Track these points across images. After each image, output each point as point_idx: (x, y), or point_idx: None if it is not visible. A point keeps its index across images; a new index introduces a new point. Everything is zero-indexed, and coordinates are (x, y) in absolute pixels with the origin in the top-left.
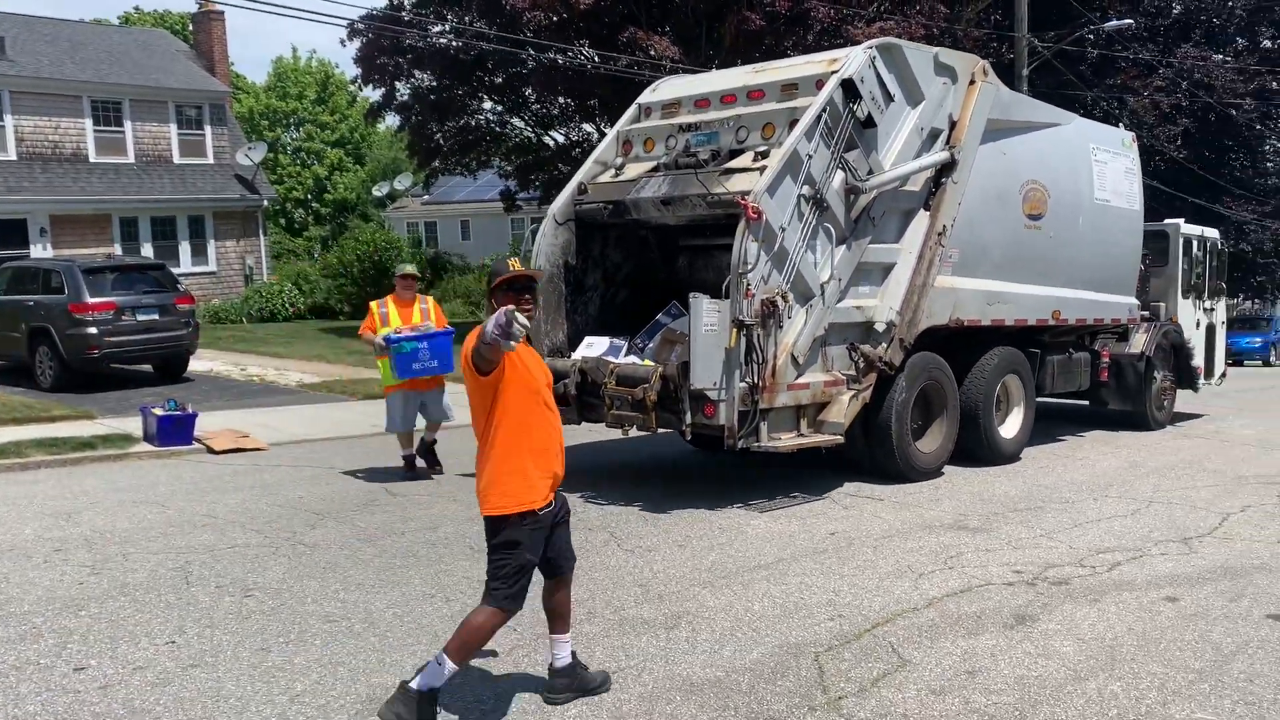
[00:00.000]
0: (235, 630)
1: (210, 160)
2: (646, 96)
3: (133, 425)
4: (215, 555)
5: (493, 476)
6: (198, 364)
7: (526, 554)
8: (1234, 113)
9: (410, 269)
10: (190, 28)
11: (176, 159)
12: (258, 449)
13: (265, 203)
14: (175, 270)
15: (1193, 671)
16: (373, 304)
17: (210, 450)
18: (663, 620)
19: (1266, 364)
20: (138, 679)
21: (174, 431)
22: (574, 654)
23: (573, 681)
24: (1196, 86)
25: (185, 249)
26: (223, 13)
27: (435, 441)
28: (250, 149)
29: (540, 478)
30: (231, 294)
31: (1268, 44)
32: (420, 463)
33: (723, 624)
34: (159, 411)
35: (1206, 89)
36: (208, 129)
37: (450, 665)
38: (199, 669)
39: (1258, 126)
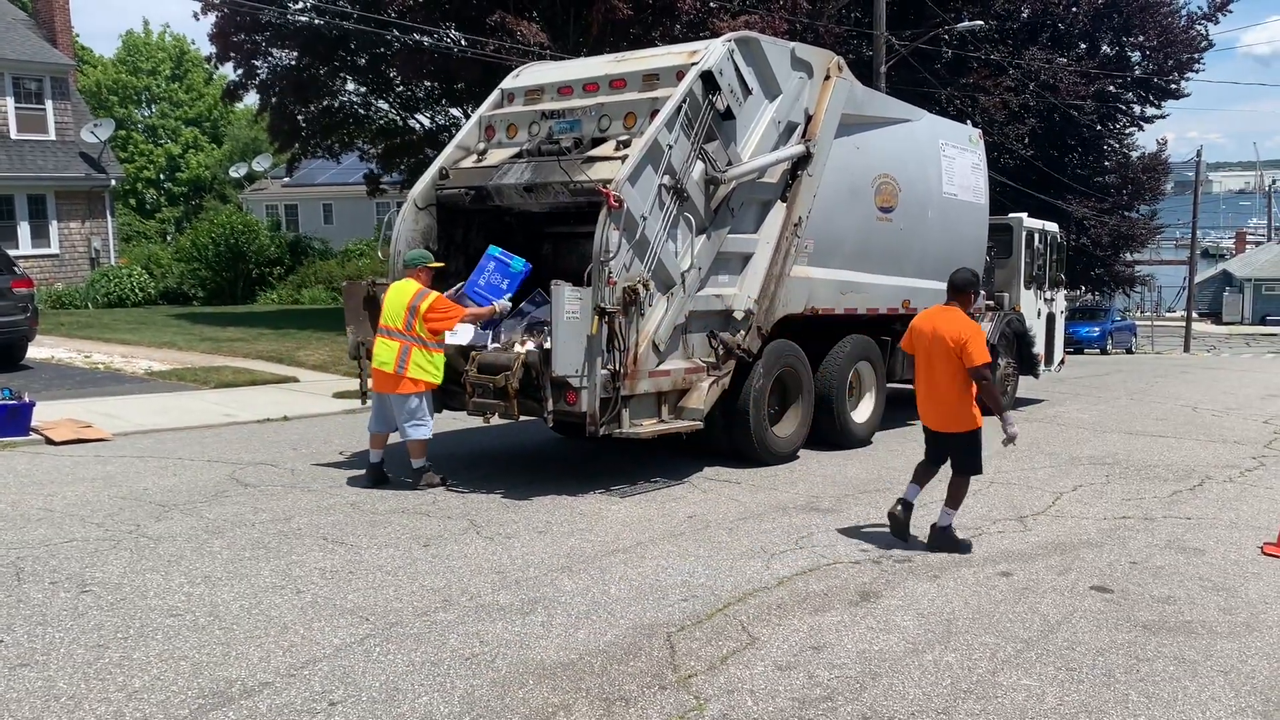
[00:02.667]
0: (70, 627)
1: (52, 136)
2: (510, 82)
3: None
4: (50, 550)
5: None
6: (37, 351)
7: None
8: (1076, 114)
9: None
10: None
11: (14, 134)
12: (101, 439)
13: (113, 182)
14: (13, 252)
15: (1021, 641)
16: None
17: (49, 441)
18: (519, 606)
19: (1104, 352)
20: None
21: (9, 422)
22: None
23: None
24: (1043, 87)
25: (24, 230)
26: None
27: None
28: (96, 125)
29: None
30: (76, 278)
31: (1107, 49)
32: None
33: (578, 608)
34: None
35: (1052, 90)
36: (49, 103)
37: (952, 512)
38: (28, 668)
39: (1098, 127)
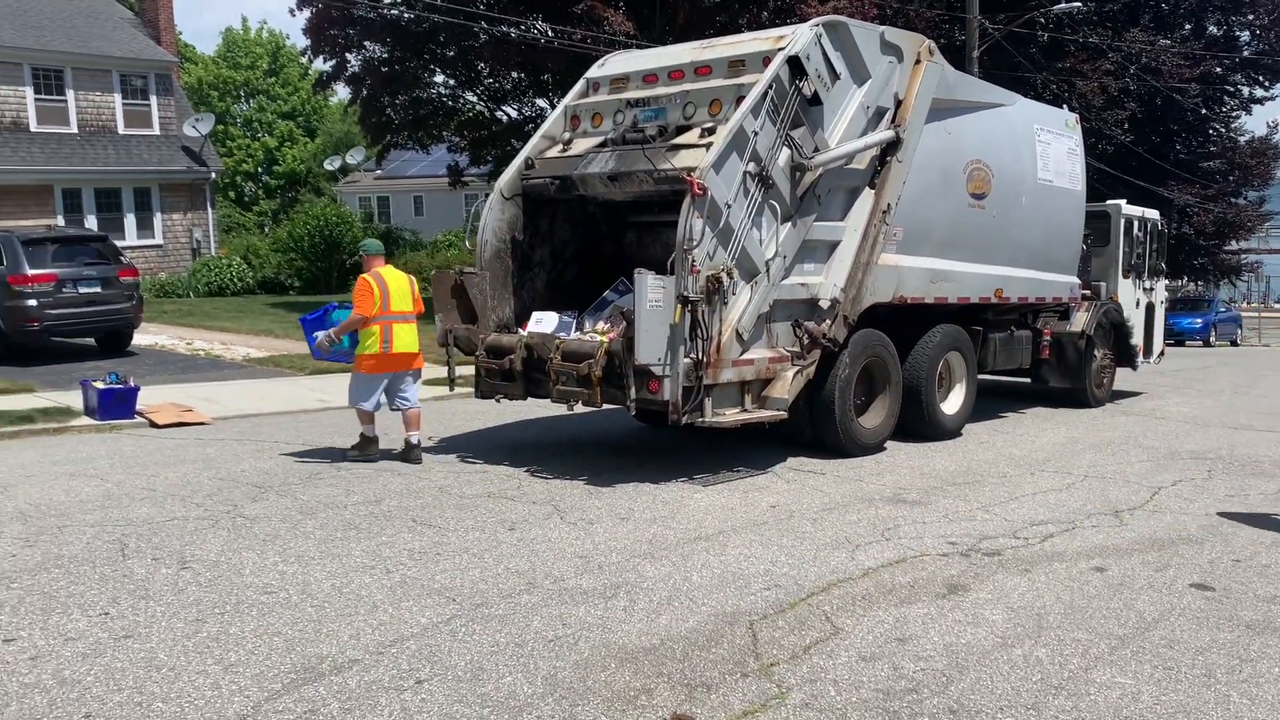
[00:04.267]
0: (170, 602)
1: (157, 131)
2: (595, 71)
3: (73, 399)
4: (153, 528)
5: None
6: (142, 338)
7: None
8: (1179, 97)
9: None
10: None
11: (121, 129)
12: (201, 423)
13: (213, 175)
14: (120, 243)
15: (1116, 638)
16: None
17: (152, 424)
18: (601, 590)
19: (1207, 344)
20: (68, 650)
21: (115, 405)
22: None
23: None
24: (1144, 70)
25: (130, 221)
26: None
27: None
28: (198, 120)
29: None
30: (179, 268)
31: (1214, 30)
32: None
33: (660, 594)
34: (100, 385)
35: (1154, 73)
36: (154, 99)
37: None
38: (132, 640)
39: (1202, 111)
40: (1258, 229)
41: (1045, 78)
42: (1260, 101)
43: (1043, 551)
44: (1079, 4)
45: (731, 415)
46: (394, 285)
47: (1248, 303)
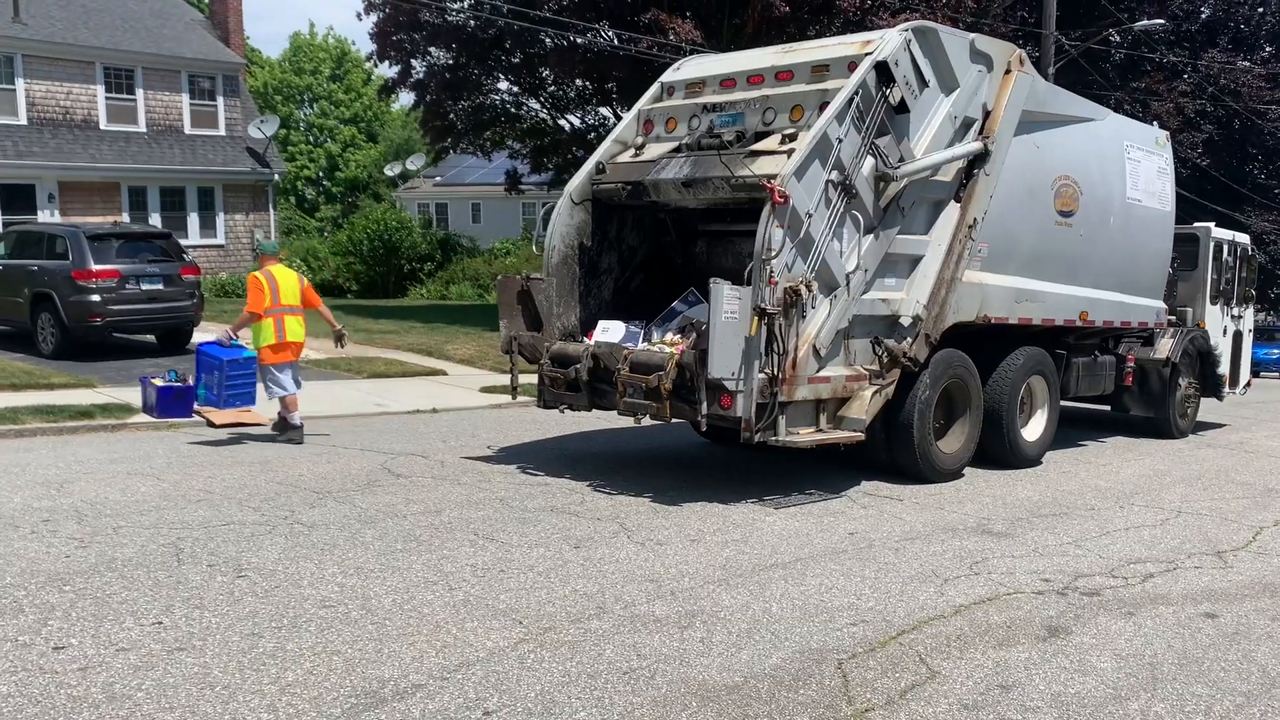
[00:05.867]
0: (226, 613)
1: (222, 132)
2: (670, 75)
3: (132, 395)
4: (209, 532)
5: None
6: (202, 336)
7: None
8: (1259, 120)
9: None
10: None
11: (188, 129)
12: (258, 424)
13: (276, 177)
14: (183, 242)
15: (1240, 694)
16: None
17: (210, 424)
18: (676, 619)
19: None
20: (120, 661)
21: (174, 403)
22: None
23: None
24: (1222, 92)
25: (194, 220)
26: None
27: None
28: (263, 122)
29: None
30: (240, 268)
31: None
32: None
33: (739, 625)
34: (159, 382)
35: (1233, 95)
36: (220, 100)
37: None
38: (185, 653)
39: None
40: None
41: (1120, 97)
42: None
43: (1145, 593)
44: (1161, 21)
45: (806, 435)
46: (283, 282)
47: None
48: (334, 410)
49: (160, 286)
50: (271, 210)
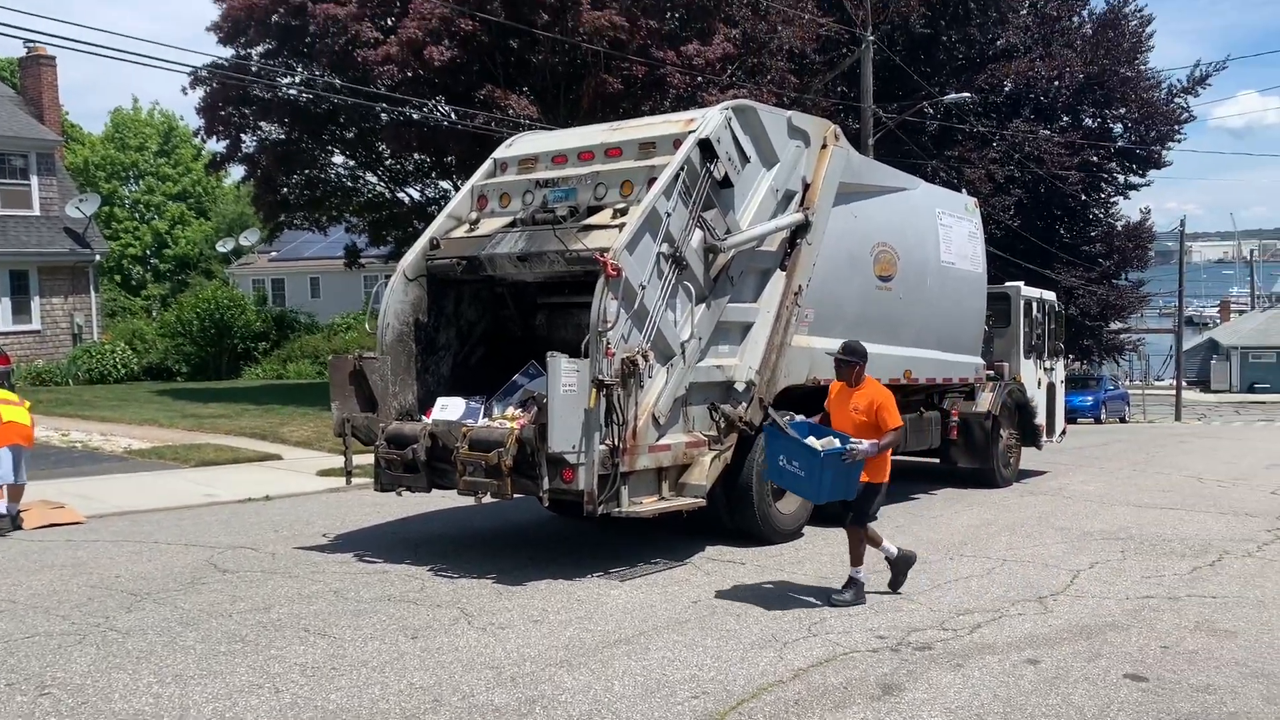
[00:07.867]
0: None
1: (37, 212)
2: (502, 151)
3: None
4: (10, 647)
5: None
6: None
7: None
8: (1061, 184)
9: None
10: (18, 73)
11: None
12: (74, 522)
13: (98, 257)
14: None
15: None
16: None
17: (17, 526)
18: (515, 706)
19: (1098, 421)
20: None
21: None
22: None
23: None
24: (1027, 158)
25: (5, 306)
26: (53, 58)
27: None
28: (82, 200)
29: None
30: (58, 354)
31: (1089, 121)
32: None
33: (580, 708)
34: None
35: (1037, 161)
36: (34, 179)
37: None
38: None
39: (1083, 196)
40: (1137, 309)
41: (936, 165)
42: (1136, 188)
43: (973, 643)
44: (968, 94)
45: (649, 504)
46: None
47: (1130, 380)
48: (158, 503)
49: None
50: (93, 292)
